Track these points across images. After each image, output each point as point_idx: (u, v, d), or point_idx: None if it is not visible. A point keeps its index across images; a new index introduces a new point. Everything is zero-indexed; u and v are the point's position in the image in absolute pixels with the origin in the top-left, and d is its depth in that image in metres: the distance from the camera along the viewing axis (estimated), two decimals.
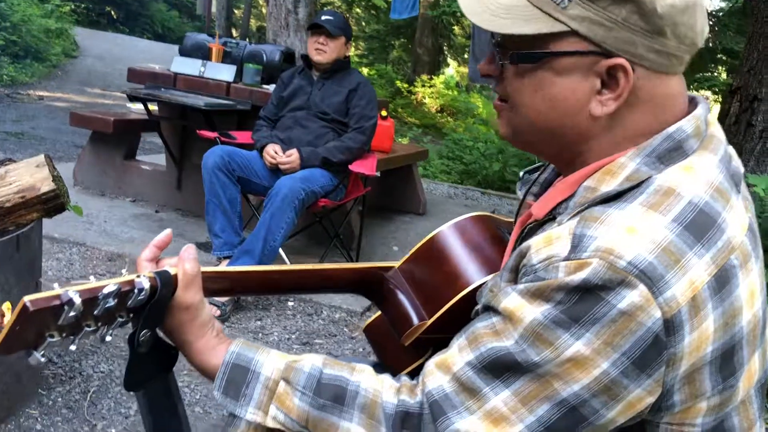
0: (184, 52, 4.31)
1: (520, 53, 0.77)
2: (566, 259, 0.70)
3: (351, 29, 3.58)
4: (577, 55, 0.74)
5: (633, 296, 0.67)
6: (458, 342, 0.80)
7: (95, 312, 0.74)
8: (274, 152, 3.28)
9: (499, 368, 0.73)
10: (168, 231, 0.91)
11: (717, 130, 0.82)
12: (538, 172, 1.13)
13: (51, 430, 1.98)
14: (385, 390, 0.82)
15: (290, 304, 3.16)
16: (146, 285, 0.78)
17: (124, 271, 0.83)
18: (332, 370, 0.83)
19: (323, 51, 3.39)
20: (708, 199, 0.73)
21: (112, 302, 0.75)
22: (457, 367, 0.77)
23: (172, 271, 0.83)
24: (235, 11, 19.11)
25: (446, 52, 19.65)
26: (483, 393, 0.74)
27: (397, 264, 1.11)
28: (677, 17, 0.73)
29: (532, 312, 0.71)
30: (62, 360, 2.34)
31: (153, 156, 5.10)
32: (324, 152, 3.28)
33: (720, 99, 7.89)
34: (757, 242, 0.79)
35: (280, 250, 3.24)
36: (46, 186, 1.92)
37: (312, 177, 3.17)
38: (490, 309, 0.78)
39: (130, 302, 0.77)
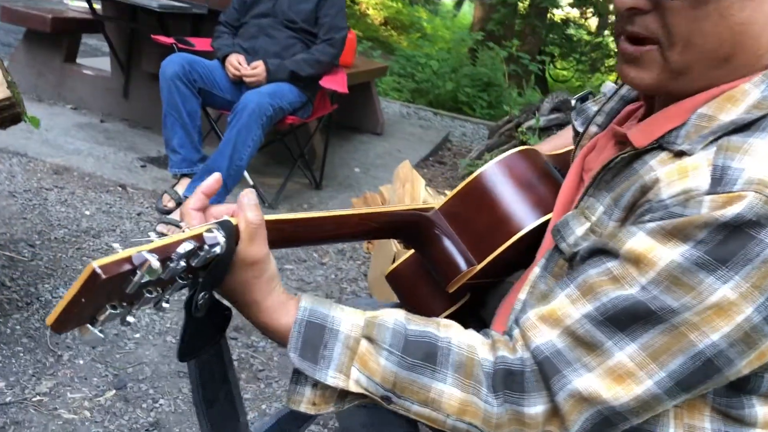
0: None
1: None
2: (710, 192, 0.63)
3: None
4: None
5: None
6: (566, 291, 0.72)
7: (162, 275, 0.60)
8: (238, 63, 3.04)
9: (625, 319, 0.66)
10: (217, 175, 0.76)
11: None
12: (599, 101, 1.02)
13: (12, 362, 1.82)
14: (478, 346, 0.74)
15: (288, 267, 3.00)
16: (221, 240, 0.64)
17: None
18: (417, 325, 0.74)
19: None
20: None
21: (183, 263, 0.61)
22: (571, 320, 0.69)
23: (234, 222, 0.69)
24: None
25: None
26: (605, 348, 0.67)
27: (437, 204, 1.01)
28: None
29: (668, 254, 0.64)
30: (16, 284, 2.15)
31: (94, 60, 4.70)
32: (292, 65, 3.07)
33: None
34: None
35: (245, 171, 3.05)
36: (1, 93, 1.69)
37: (280, 92, 2.97)
38: (602, 252, 0.70)
39: (195, 261, 0.63)
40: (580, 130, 0.99)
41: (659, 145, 0.72)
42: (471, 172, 0.99)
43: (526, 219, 0.96)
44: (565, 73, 10.57)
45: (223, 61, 3.09)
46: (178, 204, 2.84)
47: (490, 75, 7.29)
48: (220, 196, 2.79)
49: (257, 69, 3.01)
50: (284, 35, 3.15)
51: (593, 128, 0.94)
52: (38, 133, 3.42)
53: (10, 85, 1.72)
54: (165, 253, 0.59)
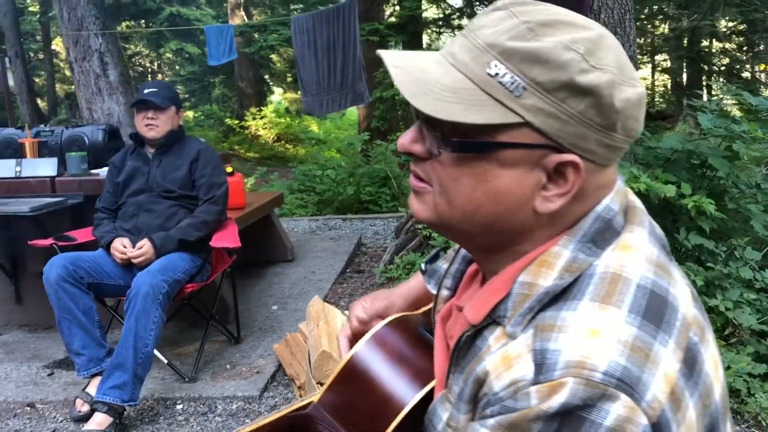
0: None
1: (464, 142, 0.69)
2: (535, 382, 0.63)
3: (179, 96, 3.35)
4: (527, 147, 0.68)
5: (617, 409, 0.61)
6: None
7: None
8: (123, 247, 2.98)
9: None
10: None
11: (635, 199, 0.78)
12: (446, 262, 1.03)
13: None
14: None
15: (179, 407, 2.88)
16: None
17: None
18: None
19: (155, 126, 3.13)
20: (654, 278, 0.69)
21: None
22: None
23: None
24: (36, 80, 17.74)
25: (269, 81, 19.47)
26: None
27: (315, 397, 0.97)
28: (630, 110, 0.69)
29: None
30: None
31: None
32: (178, 234, 3.03)
33: None
34: (703, 309, 0.75)
35: (155, 351, 2.94)
36: None
37: (171, 265, 2.91)
38: None
39: None
40: (434, 292, 0.99)
41: (493, 320, 0.73)
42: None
43: (408, 394, 0.92)
44: None
45: (107, 248, 3.02)
46: (92, 406, 2.69)
47: (386, 169, 7.46)
48: (134, 389, 2.67)
49: (143, 248, 2.96)
50: (164, 206, 3.13)
51: (444, 292, 0.94)
52: None
53: None
54: None
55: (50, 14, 13.98)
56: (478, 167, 0.69)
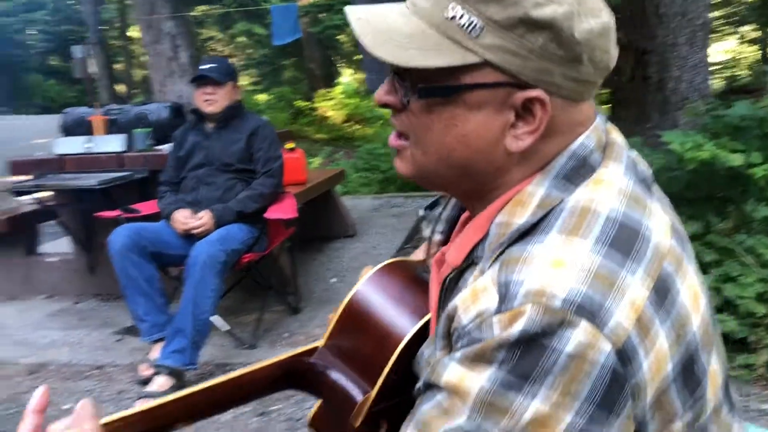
0: (66, 130, 4.04)
1: (429, 87, 0.70)
2: (497, 311, 0.64)
3: (236, 71, 3.42)
4: (491, 87, 0.68)
5: (578, 335, 0.61)
6: (410, 429, 0.71)
7: None
8: (183, 218, 3.08)
9: None
10: (42, 389, 0.75)
11: (617, 136, 0.77)
12: (440, 208, 1.03)
13: None
14: None
15: None
16: None
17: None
18: None
19: (213, 101, 3.22)
20: (625, 210, 0.68)
21: None
22: None
23: None
24: (116, 66, 18.47)
25: (337, 63, 19.61)
26: None
27: (320, 342, 0.99)
28: (594, 41, 0.68)
29: (477, 380, 0.64)
30: None
31: (55, 243, 4.77)
32: (236, 205, 3.11)
33: None
34: (684, 241, 0.74)
35: (215, 317, 3.04)
36: None
37: (229, 235, 3.00)
38: (432, 386, 0.70)
39: None
40: (429, 237, 0.99)
41: (472, 261, 0.74)
42: None
43: (406, 328, 0.93)
44: None
45: (169, 219, 3.13)
46: (155, 370, 2.81)
47: None
48: (193, 354, 2.78)
49: (203, 219, 3.06)
50: (223, 179, 3.22)
51: (437, 236, 0.95)
52: (8, 335, 3.43)
53: None
54: None
55: (127, 2, 14.48)
56: (446, 112, 0.70)
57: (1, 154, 4.56)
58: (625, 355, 0.62)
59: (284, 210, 3.21)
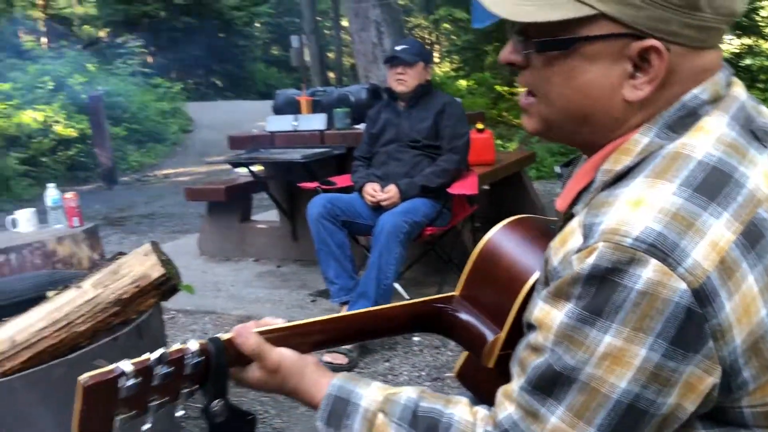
0: (277, 110, 4.46)
1: (547, 41, 0.73)
2: (578, 251, 0.68)
3: (428, 52, 3.56)
4: (607, 38, 0.70)
5: (647, 273, 0.63)
6: (513, 367, 0.77)
7: (153, 382, 0.75)
8: (372, 191, 3.29)
9: (547, 385, 0.70)
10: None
11: (738, 90, 0.75)
12: (573, 165, 1.05)
13: None
14: (478, 420, 0.79)
15: (415, 339, 3.13)
16: (194, 348, 0.78)
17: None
18: (428, 402, 0.82)
19: (404, 80, 3.38)
20: (720, 156, 0.68)
21: (166, 369, 0.75)
22: (516, 394, 0.74)
23: (224, 337, 0.84)
24: (329, 54, 19.71)
25: None
26: (542, 414, 0.71)
27: (456, 292, 1.05)
28: None
29: (558, 315, 0.69)
30: None
31: (266, 213, 5.30)
32: (421, 180, 3.26)
33: None
34: None
35: (397, 285, 3.23)
36: (157, 272, 2.02)
37: (413, 208, 3.15)
38: (528, 326, 0.76)
39: (187, 369, 0.77)
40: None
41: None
42: None
43: (531, 272, 0.95)
44: None
45: (360, 191, 3.36)
46: None
47: None
48: None
49: (390, 192, 3.24)
50: (410, 155, 3.38)
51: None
52: (225, 290, 3.90)
53: (164, 263, 2.05)
54: (142, 364, 0.74)
55: None
56: (565, 65, 0.73)
57: (225, 132, 5.15)
58: (703, 295, 0.63)
59: (466, 186, 3.30)
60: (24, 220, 3.11)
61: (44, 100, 10.58)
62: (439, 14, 16.86)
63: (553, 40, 0.72)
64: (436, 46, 23.78)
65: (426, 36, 23.73)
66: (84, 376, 0.70)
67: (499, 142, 8.67)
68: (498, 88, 16.29)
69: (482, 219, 3.70)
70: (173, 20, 19.23)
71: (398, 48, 3.40)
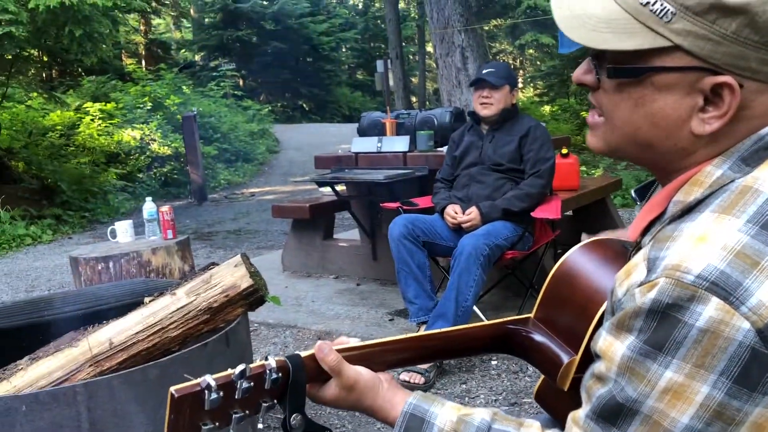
0: (361, 132, 4.56)
1: (619, 68, 0.74)
2: (641, 284, 0.68)
3: (515, 76, 3.56)
4: (680, 71, 0.70)
5: (709, 311, 0.63)
6: (582, 393, 0.78)
7: (236, 396, 0.79)
8: (454, 212, 3.31)
9: (611, 415, 0.70)
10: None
11: None
12: (651, 190, 1.04)
13: None
14: None
15: (493, 362, 3.11)
16: (273, 364, 0.82)
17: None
18: (500, 425, 0.84)
19: (489, 104, 3.40)
20: None
21: (247, 384, 0.79)
22: (582, 421, 0.75)
23: (304, 354, 0.88)
24: (413, 79, 19.93)
25: None
26: None
27: (532, 314, 1.05)
28: None
29: (620, 347, 0.69)
30: None
31: (348, 232, 5.39)
32: (503, 203, 3.25)
33: None
34: None
35: (476, 309, 3.22)
36: (245, 283, 2.11)
37: (494, 231, 3.14)
38: (594, 354, 0.76)
39: (266, 385, 0.81)
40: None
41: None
42: None
43: (607, 294, 0.94)
44: None
45: (442, 213, 3.39)
46: None
47: None
48: None
49: (471, 214, 3.25)
50: (492, 178, 3.38)
51: None
52: (306, 305, 3.99)
53: (252, 275, 2.14)
54: (226, 378, 0.78)
55: (425, 18, 15.52)
56: (635, 92, 0.73)
57: (310, 153, 5.30)
58: None
59: (549, 210, 3.27)
60: (122, 231, 3.31)
61: (142, 119, 11.21)
62: (525, 39, 16.80)
63: (626, 68, 0.73)
64: (520, 72, 23.65)
65: (510, 61, 23.65)
66: (174, 388, 0.76)
67: (583, 168, 8.50)
68: (584, 114, 16.03)
69: (564, 245, 3.64)
70: (264, 45, 19.99)
71: (485, 71, 3.43)
